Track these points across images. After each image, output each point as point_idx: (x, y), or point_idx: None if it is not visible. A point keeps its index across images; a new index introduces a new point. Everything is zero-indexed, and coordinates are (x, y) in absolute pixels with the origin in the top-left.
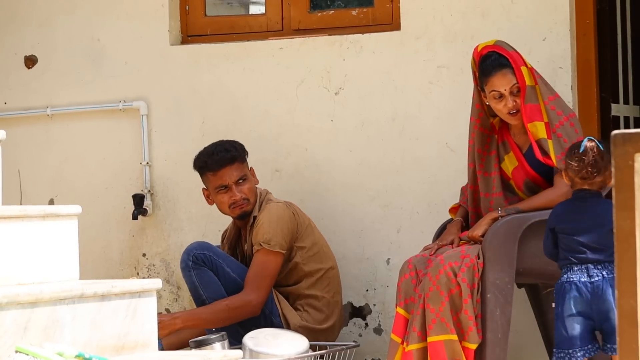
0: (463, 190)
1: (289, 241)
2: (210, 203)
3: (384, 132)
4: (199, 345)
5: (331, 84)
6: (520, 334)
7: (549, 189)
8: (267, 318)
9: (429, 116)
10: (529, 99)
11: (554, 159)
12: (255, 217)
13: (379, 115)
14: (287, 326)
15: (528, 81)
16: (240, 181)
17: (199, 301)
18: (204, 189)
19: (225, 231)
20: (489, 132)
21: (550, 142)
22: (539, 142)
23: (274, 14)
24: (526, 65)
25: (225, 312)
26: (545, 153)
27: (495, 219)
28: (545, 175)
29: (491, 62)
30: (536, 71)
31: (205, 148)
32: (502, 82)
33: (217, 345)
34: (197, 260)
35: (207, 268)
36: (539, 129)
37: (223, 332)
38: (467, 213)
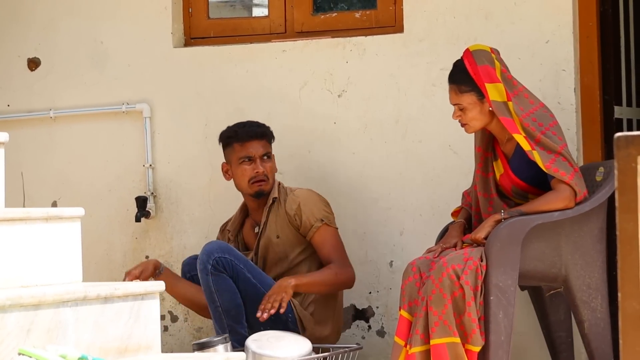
0: (465, 194)
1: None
2: (228, 178)
3: (387, 134)
4: (202, 347)
5: (334, 86)
6: (523, 336)
7: (550, 192)
8: (284, 323)
9: (432, 118)
10: (502, 113)
11: (544, 168)
12: (275, 199)
13: (382, 118)
14: (303, 329)
15: (495, 97)
16: (265, 158)
17: (213, 306)
18: (224, 163)
19: (227, 222)
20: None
21: (535, 153)
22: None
23: (277, 16)
24: (499, 82)
25: (333, 279)
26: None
27: (498, 221)
28: (529, 181)
29: (450, 73)
30: (513, 87)
31: (233, 125)
32: (450, 96)
33: (220, 347)
34: (217, 266)
35: (226, 275)
36: (521, 142)
37: (226, 335)
38: (469, 215)
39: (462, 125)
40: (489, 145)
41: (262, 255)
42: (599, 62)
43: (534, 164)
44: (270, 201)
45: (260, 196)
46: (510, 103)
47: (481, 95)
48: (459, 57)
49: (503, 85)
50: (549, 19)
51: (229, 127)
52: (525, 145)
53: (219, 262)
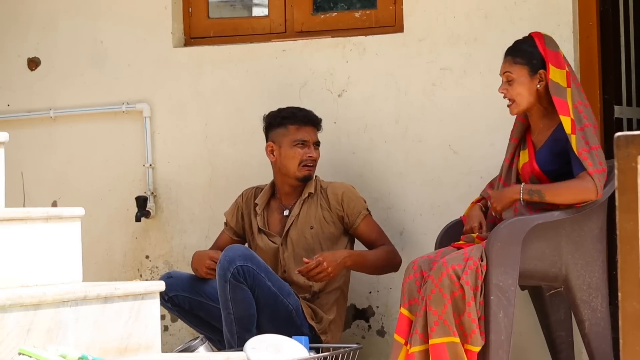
0: (489, 185)
1: None
2: (273, 158)
3: (387, 134)
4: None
5: (334, 85)
6: (523, 336)
7: (574, 179)
8: (298, 329)
9: (432, 118)
10: (558, 94)
11: (576, 152)
12: (310, 194)
13: (382, 117)
14: (324, 333)
15: (556, 78)
16: (316, 146)
17: (225, 312)
18: (269, 143)
19: (252, 191)
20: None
21: (574, 137)
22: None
23: (277, 16)
24: (564, 69)
25: (385, 259)
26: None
27: (515, 201)
28: (549, 175)
29: (509, 47)
30: (574, 78)
31: (285, 107)
32: (501, 67)
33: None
34: (237, 275)
35: (245, 285)
36: (565, 124)
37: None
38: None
39: (509, 104)
40: (522, 135)
41: (290, 244)
42: (599, 62)
43: (559, 159)
44: (306, 195)
45: (306, 180)
46: (569, 90)
47: (533, 73)
48: (524, 36)
49: (565, 72)
50: (548, 19)
51: (281, 109)
52: (568, 128)
53: (239, 271)
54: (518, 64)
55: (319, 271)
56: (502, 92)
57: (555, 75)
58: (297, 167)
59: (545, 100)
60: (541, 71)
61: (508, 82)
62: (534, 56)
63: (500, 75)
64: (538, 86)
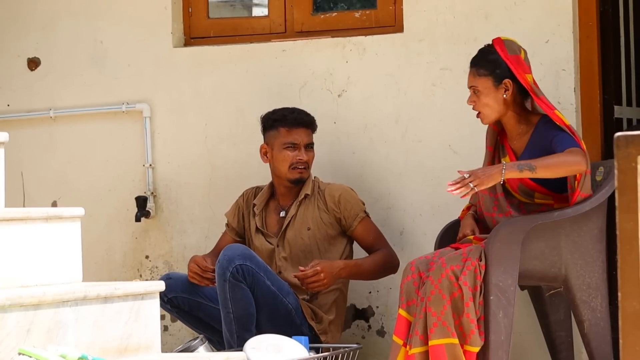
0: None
1: None
2: (266, 160)
3: (387, 134)
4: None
5: (334, 86)
6: (523, 336)
7: (563, 153)
8: (298, 329)
9: (432, 118)
10: (538, 93)
11: (567, 127)
12: (307, 195)
13: (381, 117)
14: (324, 333)
15: (530, 79)
16: (308, 148)
17: (225, 311)
18: (263, 144)
19: (252, 192)
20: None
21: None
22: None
23: (277, 16)
24: (530, 72)
25: (383, 264)
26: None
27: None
28: (537, 180)
29: (473, 57)
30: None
31: (279, 108)
32: (468, 79)
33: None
34: (236, 274)
35: (245, 285)
36: (560, 115)
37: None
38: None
39: (477, 115)
40: (496, 143)
41: (287, 245)
42: (599, 62)
43: None
44: (302, 196)
45: (298, 183)
46: (538, 90)
47: (498, 83)
48: (486, 44)
49: (532, 76)
50: (548, 19)
51: (275, 110)
52: (563, 118)
53: (238, 270)
54: (482, 75)
55: (314, 279)
56: (470, 104)
57: (529, 78)
58: (287, 169)
59: (518, 106)
60: (506, 80)
61: (475, 93)
62: (497, 65)
63: (468, 87)
64: (505, 95)
